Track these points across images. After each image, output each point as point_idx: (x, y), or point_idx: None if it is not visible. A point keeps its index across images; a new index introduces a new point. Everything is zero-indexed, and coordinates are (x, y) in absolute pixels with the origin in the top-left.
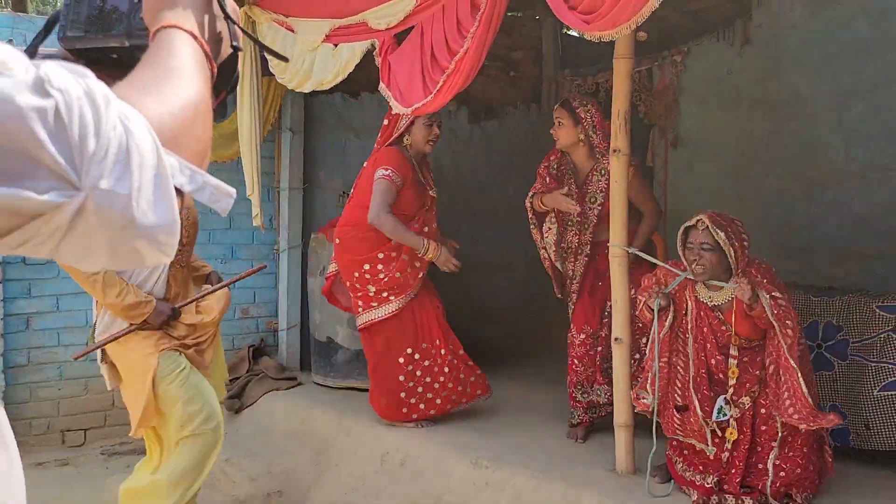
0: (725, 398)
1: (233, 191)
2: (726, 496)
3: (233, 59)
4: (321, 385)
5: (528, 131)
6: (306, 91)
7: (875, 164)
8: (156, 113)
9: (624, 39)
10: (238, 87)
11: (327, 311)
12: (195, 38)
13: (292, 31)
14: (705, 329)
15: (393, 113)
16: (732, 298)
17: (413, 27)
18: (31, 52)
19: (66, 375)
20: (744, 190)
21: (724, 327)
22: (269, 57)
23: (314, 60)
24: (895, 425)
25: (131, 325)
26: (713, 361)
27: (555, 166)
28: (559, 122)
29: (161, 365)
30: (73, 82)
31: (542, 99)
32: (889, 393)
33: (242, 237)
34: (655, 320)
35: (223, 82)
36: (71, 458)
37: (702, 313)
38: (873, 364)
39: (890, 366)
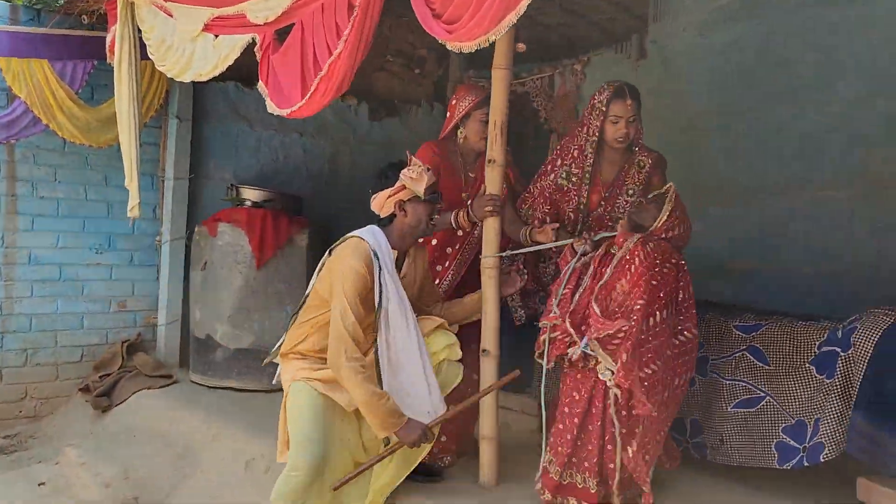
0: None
1: None
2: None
3: None
4: (198, 384)
5: (430, 130)
6: (186, 81)
7: (754, 184)
8: None
9: (501, 50)
10: (116, 72)
11: (208, 307)
12: None
13: (171, 16)
14: None
15: (452, 103)
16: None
17: (294, 25)
18: None
19: None
20: None
21: None
22: (147, 42)
23: (194, 50)
24: (745, 442)
25: None
26: None
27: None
28: (632, 119)
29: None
30: None
31: (447, 98)
32: (741, 410)
33: (121, 226)
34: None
35: None
36: None
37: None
38: (727, 381)
39: (742, 384)
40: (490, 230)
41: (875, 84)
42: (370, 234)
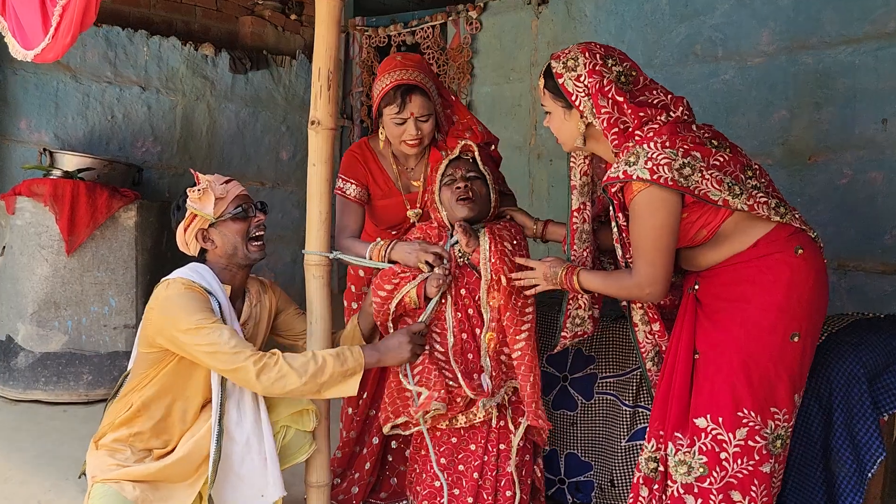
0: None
1: None
2: None
3: None
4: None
5: (297, 91)
6: None
7: None
8: None
9: None
10: None
11: (7, 302)
12: None
13: None
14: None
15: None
16: None
17: None
18: None
19: None
20: (535, 169)
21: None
22: None
23: None
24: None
25: None
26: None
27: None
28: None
29: None
30: None
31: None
32: (637, 443)
33: None
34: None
35: None
36: None
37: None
38: (626, 407)
39: (647, 411)
40: (314, 217)
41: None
42: (191, 272)
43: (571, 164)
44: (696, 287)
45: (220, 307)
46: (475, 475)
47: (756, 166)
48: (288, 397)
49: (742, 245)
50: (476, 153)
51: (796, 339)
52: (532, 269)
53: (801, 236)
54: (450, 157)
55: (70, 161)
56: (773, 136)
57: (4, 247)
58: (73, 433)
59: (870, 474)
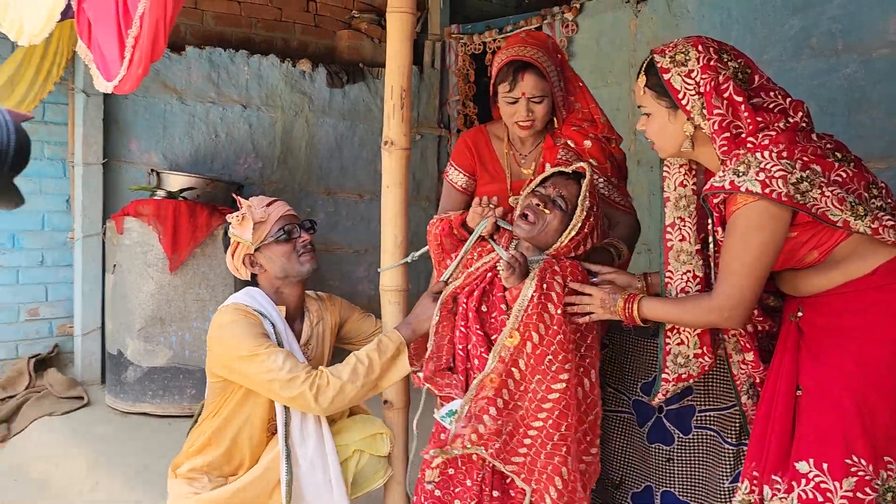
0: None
1: None
2: None
3: None
4: (112, 408)
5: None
6: (24, 44)
7: None
8: None
9: None
10: None
11: (118, 318)
12: None
13: None
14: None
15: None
16: None
17: None
18: None
19: None
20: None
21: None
22: None
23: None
24: None
25: None
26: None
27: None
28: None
29: None
30: None
31: (424, 59)
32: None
33: (29, 221)
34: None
35: None
36: None
37: None
38: (730, 446)
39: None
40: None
41: None
42: (245, 296)
43: (665, 174)
44: (800, 315)
45: (274, 329)
46: None
47: (882, 184)
48: (359, 423)
49: (859, 271)
50: (588, 180)
51: None
52: (588, 294)
53: None
54: (561, 169)
55: (174, 181)
56: None
57: (115, 265)
58: (176, 446)
59: None
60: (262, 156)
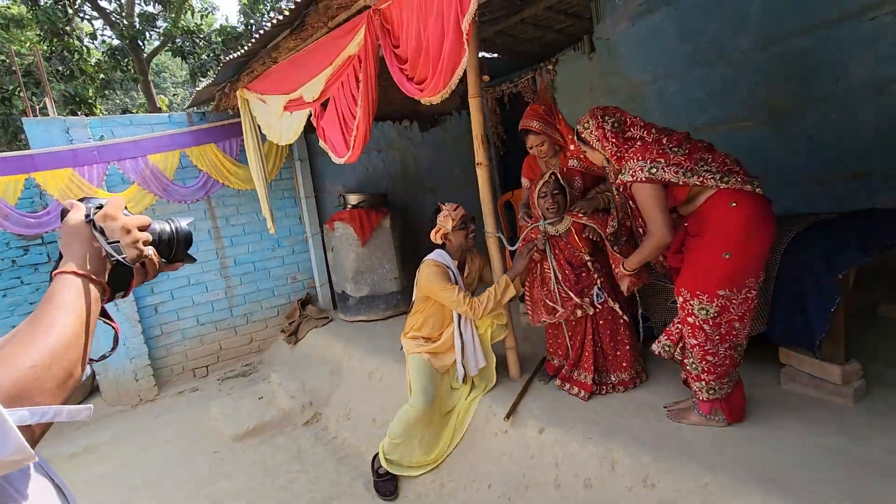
0: (598, 286)
1: (89, 406)
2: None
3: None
4: (343, 320)
5: (460, 131)
6: (282, 144)
7: (683, 125)
8: (9, 376)
9: (472, 82)
10: (245, 148)
11: (339, 274)
12: (76, 273)
13: (265, 103)
14: (557, 251)
15: None
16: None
17: (329, 99)
18: None
19: (187, 336)
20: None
21: (569, 246)
22: (258, 123)
23: (281, 124)
24: None
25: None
26: (568, 271)
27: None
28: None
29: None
30: None
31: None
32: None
33: (283, 231)
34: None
35: (123, 276)
36: (199, 385)
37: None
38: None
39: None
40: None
41: (769, 34)
42: (438, 255)
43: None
44: (685, 225)
45: (453, 274)
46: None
47: (708, 157)
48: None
49: (700, 201)
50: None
51: (727, 255)
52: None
53: (737, 194)
54: (543, 179)
55: (352, 198)
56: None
57: (333, 247)
58: (381, 336)
59: (832, 309)
60: (393, 177)
